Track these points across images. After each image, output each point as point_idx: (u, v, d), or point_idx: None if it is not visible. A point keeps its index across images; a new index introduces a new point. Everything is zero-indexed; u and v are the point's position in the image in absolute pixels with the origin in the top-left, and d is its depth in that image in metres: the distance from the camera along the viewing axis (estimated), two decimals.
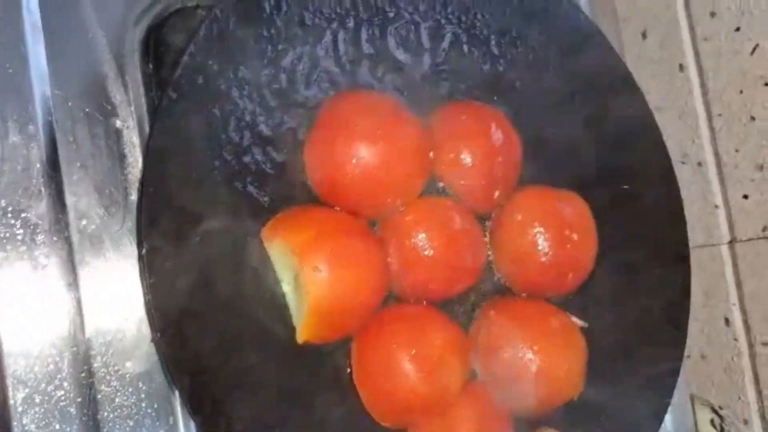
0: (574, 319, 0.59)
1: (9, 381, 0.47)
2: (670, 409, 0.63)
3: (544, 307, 0.59)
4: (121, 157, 0.53)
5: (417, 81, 0.59)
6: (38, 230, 0.50)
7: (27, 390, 0.47)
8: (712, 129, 0.74)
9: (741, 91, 0.70)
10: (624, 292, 0.65)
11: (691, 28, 0.74)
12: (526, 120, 0.62)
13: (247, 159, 0.52)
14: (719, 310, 0.75)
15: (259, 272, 0.51)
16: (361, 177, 0.52)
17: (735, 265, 0.74)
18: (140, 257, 0.46)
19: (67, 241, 0.51)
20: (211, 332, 0.48)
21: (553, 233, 0.59)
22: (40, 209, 0.50)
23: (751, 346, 0.73)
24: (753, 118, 0.70)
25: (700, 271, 0.76)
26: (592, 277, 0.62)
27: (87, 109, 0.52)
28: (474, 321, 0.59)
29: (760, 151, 0.70)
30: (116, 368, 0.51)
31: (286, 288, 0.51)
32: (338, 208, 0.54)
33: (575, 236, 0.59)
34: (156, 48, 0.55)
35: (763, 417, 0.72)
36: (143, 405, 0.51)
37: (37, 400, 0.48)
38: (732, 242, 0.74)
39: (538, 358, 0.56)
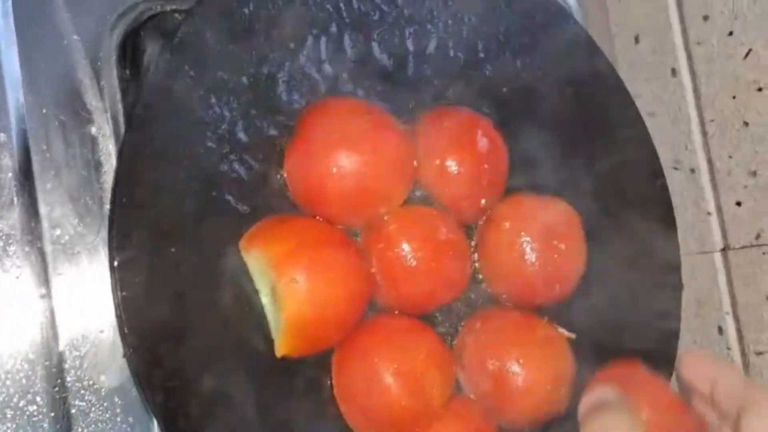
0: (562, 330, 0.58)
1: None
2: None
3: (530, 319, 0.58)
4: (97, 166, 0.52)
5: (401, 87, 0.58)
6: (11, 240, 0.49)
7: None
8: (704, 135, 0.73)
9: (734, 97, 0.69)
10: (614, 300, 0.63)
11: (684, 32, 0.73)
12: (513, 126, 0.60)
13: (224, 167, 0.51)
14: (712, 319, 0.74)
15: (237, 284, 0.50)
16: (343, 187, 0.51)
17: (728, 273, 0.73)
18: (111, 270, 0.44)
19: (41, 251, 0.50)
20: (185, 347, 0.46)
21: (540, 243, 0.57)
22: (12, 219, 0.49)
23: (744, 355, 0.72)
24: (746, 124, 0.69)
25: (692, 279, 0.75)
26: (581, 286, 0.61)
27: (62, 117, 0.51)
28: (459, 333, 0.57)
29: (753, 157, 0.69)
30: (91, 382, 0.49)
31: (265, 300, 0.50)
32: (319, 218, 0.52)
33: (563, 246, 0.58)
34: (133, 53, 0.54)
35: None
36: (119, 420, 0.50)
37: (9, 415, 0.47)
38: (725, 250, 0.73)
39: (524, 372, 0.54)
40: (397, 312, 0.55)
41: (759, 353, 0.71)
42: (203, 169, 0.49)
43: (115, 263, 0.44)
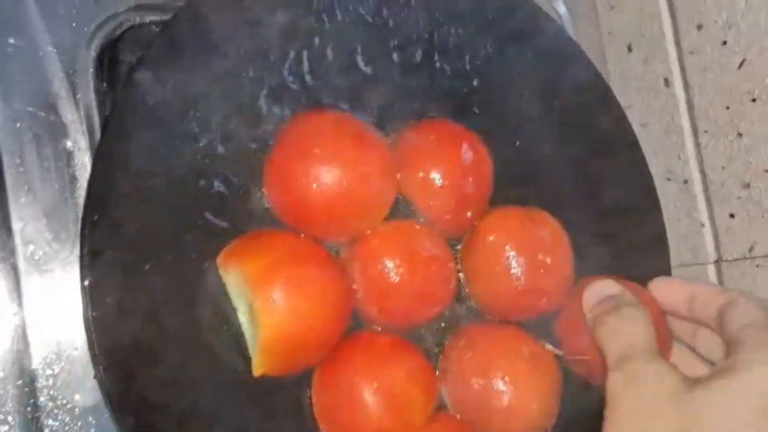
0: (549, 347, 0.57)
1: None
2: None
3: (516, 336, 0.56)
4: (72, 180, 0.51)
5: (385, 98, 0.57)
6: None
7: None
8: (698, 145, 0.72)
9: (728, 107, 0.68)
10: None
11: (677, 42, 0.71)
12: (499, 138, 0.59)
13: (202, 182, 0.50)
14: None
15: (214, 302, 0.49)
16: (323, 202, 0.50)
17: (721, 286, 0.72)
18: (82, 290, 0.43)
19: (13, 267, 0.49)
20: (159, 368, 0.45)
21: (526, 256, 0.56)
22: None
23: None
24: (740, 135, 0.68)
25: None
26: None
27: (36, 130, 0.50)
28: (443, 349, 0.56)
29: (747, 168, 0.68)
30: (64, 401, 0.49)
31: (242, 318, 0.49)
32: (300, 234, 0.51)
33: (549, 259, 0.57)
34: (110, 65, 0.53)
35: None
36: None
37: None
38: (718, 262, 0.72)
39: (509, 390, 0.53)
40: (380, 328, 0.54)
41: None
42: (180, 184, 0.48)
43: (86, 282, 0.43)
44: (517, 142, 0.61)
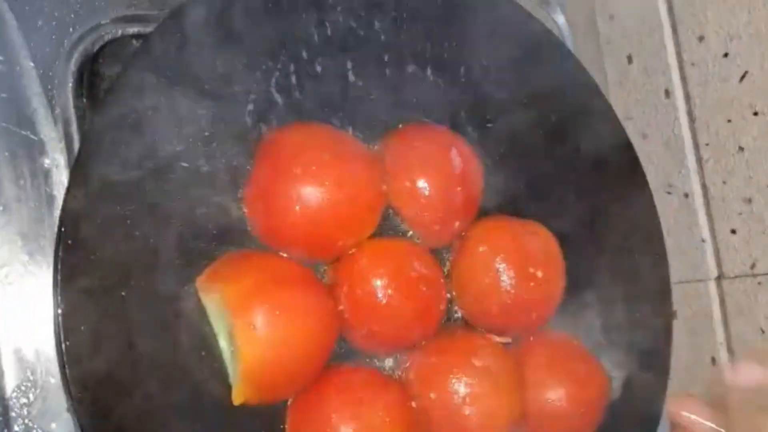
0: (497, 338, 0.55)
1: None
2: None
3: (470, 341, 0.55)
4: (50, 199, 0.49)
5: (375, 110, 0.55)
6: None
7: None
8: (699, 159, 0.70)
9: (729, 120, 0.66)
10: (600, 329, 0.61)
11: (678, 53, 0.70)
12: (491, 147, 0.58)
13: (181, 202, 0.48)
14: (706, 349, 0.72)
15: (194, 327, 0.47)
16: (307, 223, 0.48)
17: (722, 303, 0.70)
18: (55, 318, 0.42)
19: None
20: (135, 398, 0.44)
21: (516, 269, 0.55)
22: None
23: None
24: (741, 149, 0.66)
25: (686, 307, 0.72)
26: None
27: (12, 147, 0.49)
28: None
29: (748, 183, 0.66)
30: (40, 431, 0.47)
31: (223, 344, 0.47)
32: (283, 254, 0.50)
33: (540, 273, 0.55)
34: (90, 80, 0.51)
35: None
36: None
37: None
38: (719, 278, 0.70)
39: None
40: (368, 348, 0.53)
41: None
42: (158, 205, 0.47)
43: (59, 311, 0.42)
44: (511, 154, 0.59)
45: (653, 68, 0.72)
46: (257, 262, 0.48)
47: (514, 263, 0.55)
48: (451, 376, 0.51)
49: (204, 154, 0.48)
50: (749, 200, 0.66)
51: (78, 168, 0.45)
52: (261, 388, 0.46)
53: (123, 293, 0.45)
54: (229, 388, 0.47)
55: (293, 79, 0.52)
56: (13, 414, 0.46)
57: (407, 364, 0.53)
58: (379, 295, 0.51)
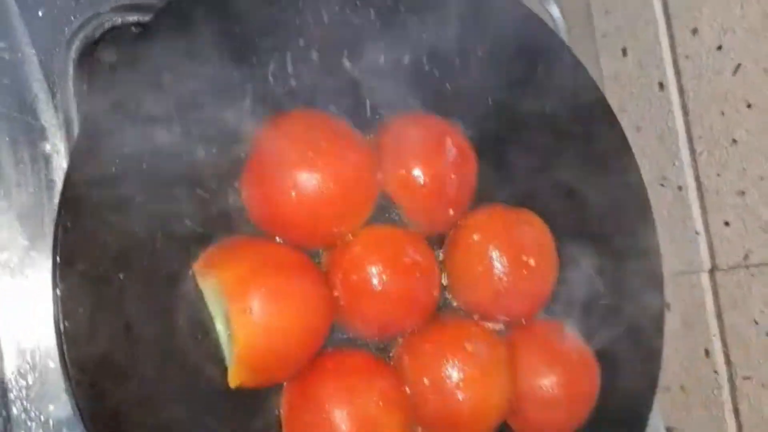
0: (490, 325, 0.56)
1: None
2: None
3: (461, 329, 0.55)
4: (50, 184, 0.50)
5: (370, 99, 0.56)
6: None
7: None
8: (692, 151, 0.71)
9: (723, 113, 0.67)
10: (594, 323, 0.61)
11: (672, 46, 0.70)
12: (485, 137, 0.58)
13: (179, 187, 0.48)
14: (700, 341, 0.72)
15: (191, 310, 0.48)
16: (302, 207, 0.49)
17: (716, 295, 0.71)
18: (54, 300, 0.42)
19: None
20: (132, 380, 0.44)
21: (509, 257, 0.55)
22: None
23: (731, 379, 0.70)
24: (735, 141, 0.67)
25: (679, 299, 0.73)
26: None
27: (13, 134, 0.49)
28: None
29: (742, 176, 0.67)
30: (38, 413, 0.47)
31: (219, 327, 0.48)
32: (279, 240, 0.50)
33: (532, 261, 0.56)
34: (91, 67, 0.51)
35: None
36: None
37: None
38: (713, 270, 0.71)
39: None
40: (363, 334, 0.53)
41: (746, 378, 0.69)
42: (156, 189, 0.47)
43: (58, 293, 0.42)
44: (505, 145, 0.60)
45: (647, 61, 0.72)
46: (253, 248, 0.49)
47: (507, 252, 0.56)
48: (445, 361, 0.52)
49: (202, 140, 0.49)
50: (743, 193, 0.67)
51: (77, 153, 0.45)
52: (256, 371, 0.46)
53: (121, 276, 0.45)
54: (225, 370, 0.48)
55: (290, 67, 0.53)
56: (11, 396, 0.47)
57: (401, 350, 0.54)
58: (374, 281, 0.51)
